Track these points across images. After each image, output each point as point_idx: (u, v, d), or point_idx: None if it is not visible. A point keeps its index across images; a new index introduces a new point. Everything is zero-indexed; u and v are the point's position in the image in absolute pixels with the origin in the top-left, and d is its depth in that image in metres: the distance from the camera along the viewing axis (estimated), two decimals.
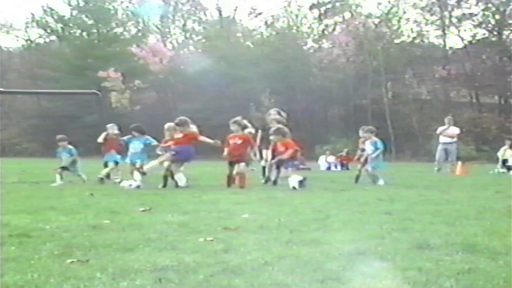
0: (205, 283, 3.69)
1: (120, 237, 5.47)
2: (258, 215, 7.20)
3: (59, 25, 56.89)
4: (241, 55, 49.88)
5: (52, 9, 56.41)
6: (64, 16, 56.16)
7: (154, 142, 13.84)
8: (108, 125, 16.86)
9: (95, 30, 54.81)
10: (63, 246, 4.98)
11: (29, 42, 60.26)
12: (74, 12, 55.25)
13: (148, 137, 13.92)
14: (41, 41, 59.73)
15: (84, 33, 55.93)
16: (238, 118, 13.60)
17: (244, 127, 13.56)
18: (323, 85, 48.90)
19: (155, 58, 49.47)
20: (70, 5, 54.76)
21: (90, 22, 54.51)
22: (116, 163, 15.81)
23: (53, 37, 58.76)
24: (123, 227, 6.20)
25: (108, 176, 15.42)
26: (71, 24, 56.02)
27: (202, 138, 13.37)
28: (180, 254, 4.60)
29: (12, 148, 43.04)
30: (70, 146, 15.16)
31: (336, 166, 26.28)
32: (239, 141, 13.19)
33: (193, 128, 13.63)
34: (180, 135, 13.17)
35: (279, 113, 15.30)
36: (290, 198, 9.85)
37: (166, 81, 50.29)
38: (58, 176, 14.26)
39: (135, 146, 13.74)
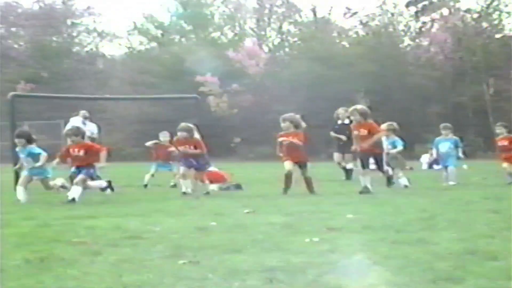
0: (314, 283, 3.73)
1: (227, 239, 5.59)
2: (361, 215, 7.20)
3: (159, 32, 58.34)
4: (336, 55, 49.60)
5: (152, 16, 57.94)
6: (163, 23, 57.56)
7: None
8: (160, 133, 16.72)
9: (193, 36, 55.82)
10: (173, 248, 5.14)
11: (131, 49, 62.06)
12: (173, 19, 56.46)
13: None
14: (142, 48, 61.40)
15: (183, 39, 57.10)
16: (290, 114, 12.03)
17: (297, 125, 11.78)
18: (420, 83, 47.94)
19: (251, 61, 49.88)
20: (169, 11, 56.05)
21: (189, 28, 55.54)
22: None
23: (153, 44, 60.29)
24: (228, 228, 6.33)
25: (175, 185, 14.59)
26: (170, 31, 57.32)
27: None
28: (287, 254, 4.67)
29: (117, 153, 44.26)
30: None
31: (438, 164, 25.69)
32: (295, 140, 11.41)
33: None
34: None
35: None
36: (392, 198, 9.77)
37: (262, 83, 50.62)
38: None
39: None
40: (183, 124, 12.59)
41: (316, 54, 48.94)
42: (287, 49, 58.19)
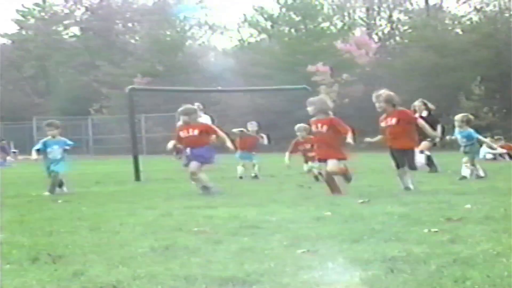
0: (438, 273, 3.70)
1: (345, 228, 5.61)
2: (481, 206, 7.04)
3: (269, 23, 58.77)
4: (449, 43, 48.38)
5: (262, 8, 58.42)
6: (273, 14, 57.90)
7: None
8: (249, 123, 16.66)
9: (302, 26, 55.85)
10: (291, 237, 5.20)
11: (241, 41, 62.85)
12: (283, 10, 56.67)
13: None
14: (252, 40, 62.07)
15: (292, 30, 57.22)
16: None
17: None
18: None
19: (360, 51, 49.41)
20: (278, 3, 56.24)
21: (298, 18, 55.60)
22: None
23: (263, 36, 60.78)
24: (345, 218, 6.34)
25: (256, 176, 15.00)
26: (280, 22, 57.62)
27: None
28: (407, 245, 4.64)
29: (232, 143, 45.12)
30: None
31: None
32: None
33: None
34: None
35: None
36: None
37: (373, 73, 50.01)
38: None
39: None
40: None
41: (428, 42, 47.89)
42: (397, 38, 57.26)
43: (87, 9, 66.92)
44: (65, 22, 67.39)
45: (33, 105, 58.52)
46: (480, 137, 13.16)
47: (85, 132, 47.16)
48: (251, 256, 4.40)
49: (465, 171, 12.36)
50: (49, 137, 11.51)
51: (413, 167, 9.82)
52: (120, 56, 58.51)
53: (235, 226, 5.94)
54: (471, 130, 12.83)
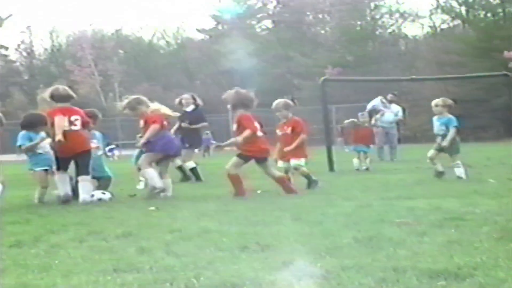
0: None
1: None
2: None
3: (463, 8, 56.85)
4: None
5: None
6: None
7: None
8: (360, 113, 15.98)
9: (500, 10, 53.47)
10: (500, 230, 5.00)
11: (433, 28, 61.35)
12: None
13: None
14: (445, 26, 60.36)
15: (489, 14, 54.98)
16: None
17: None
18: None
19: None
20: None
21: (496, 1, 53.33)
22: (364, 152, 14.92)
23: (456, 21, 58.91)
24: None
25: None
26: (475, 6, 55.59)
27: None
28: None
29: (423, 134, 44.12)
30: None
31: None
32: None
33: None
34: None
35: None
36: None
37: None
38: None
39: None
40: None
41: None
42: None
43: (278, 2, 68.36)
44: (258, 15, 69.30)
45: None
46: (452, 130, 11.16)
47: (277, 123, 48.06)
48: (459, 249, 4.28)
49: (459, 171, 11.07)
50: None
51: None
52: (311, 47, 59.17)
53: (438, 218, 5.81)
54: (451, 117, 11.25)
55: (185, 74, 68.17)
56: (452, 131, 11.06)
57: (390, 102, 20.61)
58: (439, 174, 11.11)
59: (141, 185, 11.21)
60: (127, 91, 62.98)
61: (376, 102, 20.41)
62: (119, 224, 6.15)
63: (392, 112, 20.61)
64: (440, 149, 11.17)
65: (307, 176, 9.97)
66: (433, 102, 11.50)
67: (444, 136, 11.15)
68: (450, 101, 11.43)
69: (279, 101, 10.41)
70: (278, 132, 10.44)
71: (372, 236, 4.89)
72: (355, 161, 14.99)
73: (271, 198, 8.57)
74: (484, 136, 41.63)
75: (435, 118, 11.37)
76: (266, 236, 5.10)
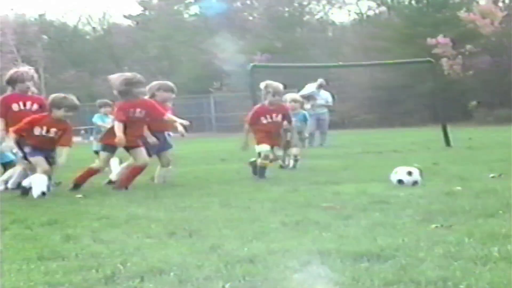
0: None
1: (477, 203, 5.49)
2: None
3: None
4: None
5: None
6: None
7: None
8: None
9: None
10: (422, 212, 5.14)
11: (360, 15, 62.14)
12: None
13: None
14: (371, 13, 61.25)
15: (413, 1, 55.97)
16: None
17: None
18: None
19: (485, 20, 47.62)
20: None
21: None
22: None
23: (382, 8, 59.78)
24: (477, 193, 6.19)
25: None
26: None
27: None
28: None
29: (351, 120, 44.74)
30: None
31: None
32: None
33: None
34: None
35: None
36: None
37: (500, 44, 48.19)
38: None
39: None
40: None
41: None
42: None
43: None
44: (186, 1, 68.80)
45: None
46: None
47: (207, 110, 48.02)
48: (383, 231, 4.39)
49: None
50: (101, 114, 12.39)
51: None
52: (239, 34, 59.12)
53: (363, 202, 5.94)
54: (305, 112, 12.17)
55: (112, 60, 67.19)
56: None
57: (320, 87, 20.80)
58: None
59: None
60: (53, 78, 61.89)
61: (312, 88, 20.55)
62: (44, 212, 6.06)
63: (323, 99, 20.81)
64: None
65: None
66: (291, 97, 11.77)
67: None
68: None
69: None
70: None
71: (299, 220, 4.96)
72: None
73: (200, 184, 8.59)
74: (410, 121, 42.37)
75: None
76: (194, 221, 5.12)
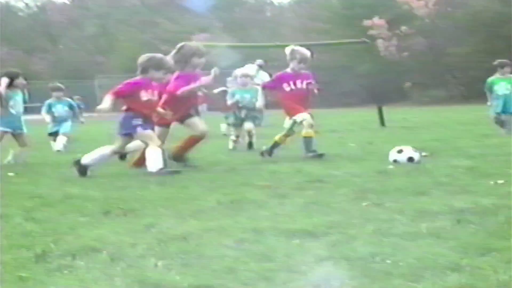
0: (507, 225, 3.68)
1: (409, 182, 5.61)
2: None
3: None
4: None
5: None
6: None
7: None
8: (228, 79, 16.14)
9: None
10: (356, 191, 5.23)
11: None
12: None
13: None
14: None
15: None
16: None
17: None
18: None
19: (419, 2, 48.37)
20: None
21: None
22: None
23: None
24: (409, 172, 6.33)
25: None
26: None
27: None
28: (475, 197, 4.63)
29: None
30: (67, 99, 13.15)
31: None
32: None
33: None
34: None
35: None
36: None
37: (434, 25, 49.03)
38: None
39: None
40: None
41: None
42: None
43: None
44: None
45: (96, 63, 59.39)
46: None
47: None
48: (317, 209, 4.46)
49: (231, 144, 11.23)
50: (54, 98, 12.72)
51: None
52: (178, 13, 58.69)
53: (299, 181, 6.00)
54: (257, 88, 11.17)
55: (47, 38, 65.94)
56: None
57: (259, 68, 20.78)
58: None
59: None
60: None
61: (252, 68, 20.51)
62: None
63: (262, 80, 20.81)
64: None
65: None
66: (242, 73, 11.82)
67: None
68: None
69: None
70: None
71: (235, 199, 4.99)
72: (223, 126, 15.01)
73: None
74: (349, 101, 42.88)
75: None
76: (130, 201, 5.11)
